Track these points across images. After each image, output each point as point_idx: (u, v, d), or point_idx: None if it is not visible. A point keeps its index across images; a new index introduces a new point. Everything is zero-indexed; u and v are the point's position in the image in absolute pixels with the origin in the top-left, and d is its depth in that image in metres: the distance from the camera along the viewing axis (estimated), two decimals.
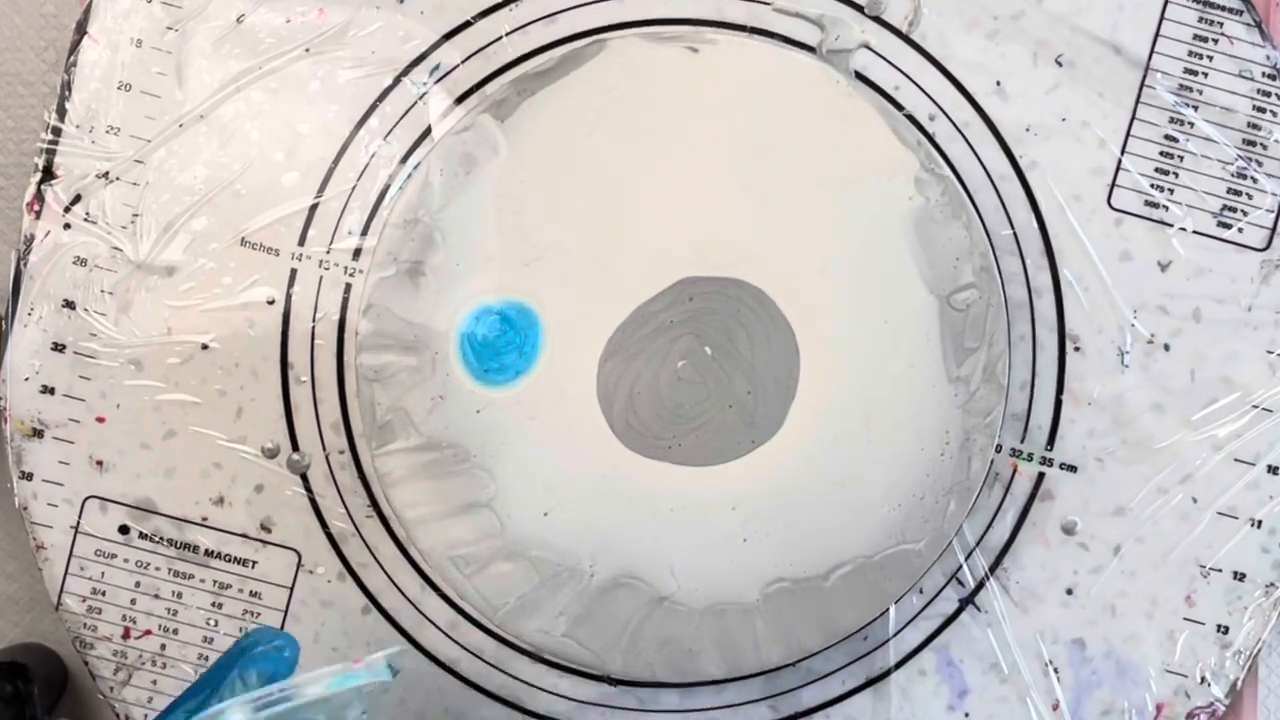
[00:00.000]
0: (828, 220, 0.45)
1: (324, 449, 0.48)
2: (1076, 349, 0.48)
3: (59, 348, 0.48)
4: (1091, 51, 0.48)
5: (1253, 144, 0.48)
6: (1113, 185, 0.48)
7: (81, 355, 0.48)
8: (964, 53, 0.48)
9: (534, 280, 0.45)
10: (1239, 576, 0.48)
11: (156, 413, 0.48)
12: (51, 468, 0.48)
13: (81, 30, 0.47)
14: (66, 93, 0.47)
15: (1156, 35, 0.48)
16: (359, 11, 0.48)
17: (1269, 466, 0.47)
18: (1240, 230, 0.48)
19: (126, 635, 0.48)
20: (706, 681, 0.47)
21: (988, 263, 0.46)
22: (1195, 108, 0.48)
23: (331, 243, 0.48)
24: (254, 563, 0.48)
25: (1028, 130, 0.48)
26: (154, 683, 0.48)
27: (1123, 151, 0.48)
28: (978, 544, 0.48)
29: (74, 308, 0.47)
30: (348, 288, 0.48)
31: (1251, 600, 0.48)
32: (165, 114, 0.48)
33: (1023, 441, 0.48)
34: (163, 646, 0.48)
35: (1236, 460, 0.47)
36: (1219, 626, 0.48)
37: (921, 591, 0.48)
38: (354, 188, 0.48)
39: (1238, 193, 0.48)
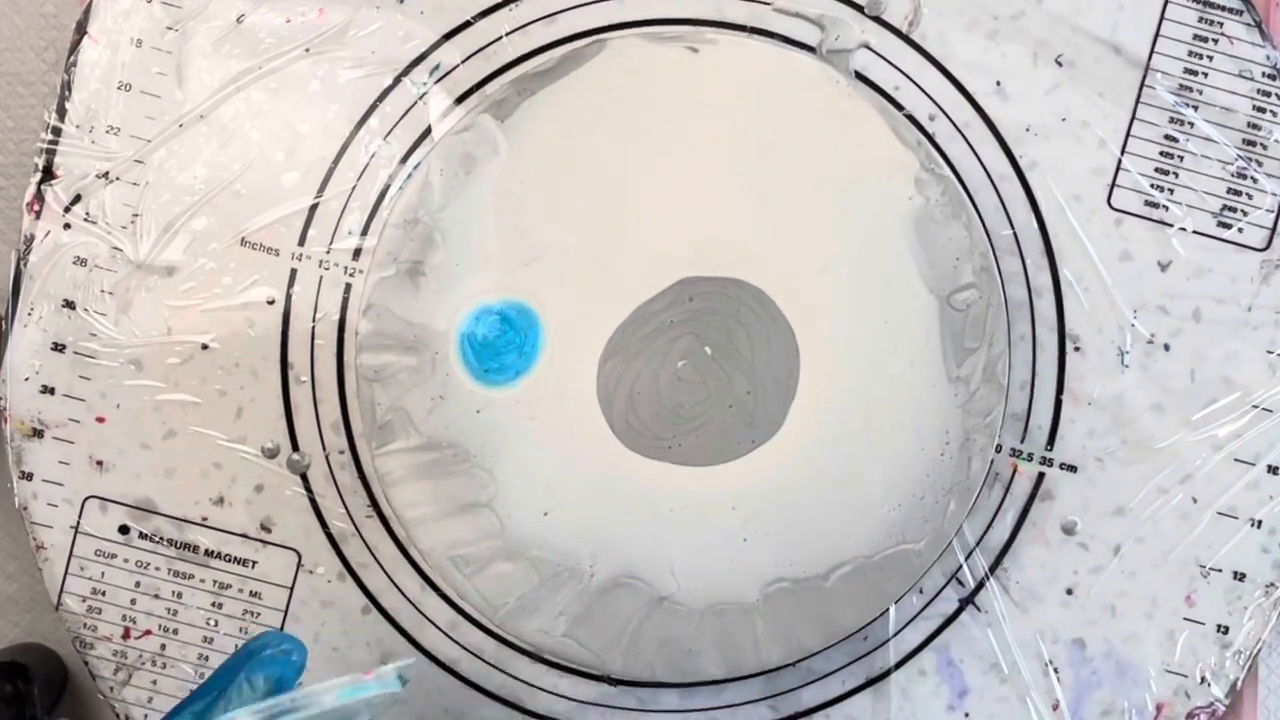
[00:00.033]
0: (828, 220, 0.45)
1: (324, 449, 0.48)
2: (1076, 349, 0.48)
3: (59, 348, 0.48)
4: (1091, 51, 0.48)
5: (1253, 144, 0.48)
6: (1113, 185, 0.48)
7: (81, 355, 0.48)
8: (964, 53, 0.48)
9: (534, 280, 0.45)
10: (1239, 576, 0.48)
11: (156, 413, 0.48)
12: (51, 468, 0.48)
13: (81, 30, 0.47)
14: (66, 93, 0.47)
15: (1156, 35, 0.48)
16: (359, 11, 0.48)
17: (1269, 466, 0.47)
18: (1240, 230, 0.48)
19: (126, 635, 0.48)
20: (706, 681, 0.47)
21: (988, 263, 0.46)
22: (1195, 108, 0.48)
23: (331, 243, 0.48)
24: (254, 563, 0.48)
25: (1028, 130, 0.48)
26: (154, 683, 0.48)
27: (1123, 151, 0.48)
28: (978, 544, 0.48)
29: (74, 308, 0.47)
30: (348, 288, 0.48)
31: (1251, 600, 0.48)
32: (165, 114, 0.48)
33: (1023, 441, 0.48)
34: (163, 646, 0.48)
35: (1236, 460, 0.47)
36: (1219, 626, 0.48)
37: (921, 591, 0.48)
38: (354, 188, 0.48)
39: (1238, 193, 0.48)
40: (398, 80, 0.48)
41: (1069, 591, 0.48)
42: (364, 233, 0.48)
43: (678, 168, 0.45)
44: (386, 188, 0.48)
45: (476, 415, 0.45)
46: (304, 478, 0.48)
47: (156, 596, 0.48)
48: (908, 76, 0.48)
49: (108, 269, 0.47)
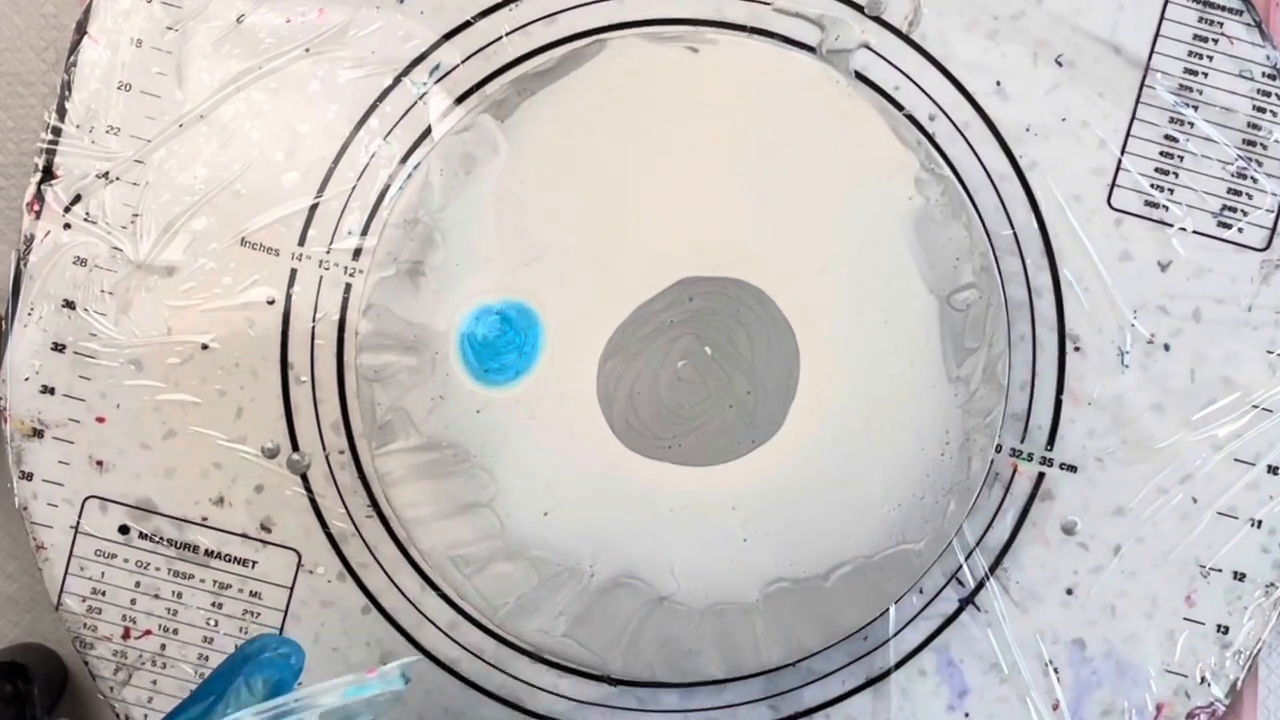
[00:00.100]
0: (828, 220, 0.45)
1: (324, 449, 0.48)
2: (1076, 349, 0.48)
3: (59, 348, 0.48)
4: (1091, 51, 0.48)
5: (1253, 144, 0.48)
6: (1113, 185, 0.48)
7: (81, 355, 0.48)
8: (964, 53, 0.48)
9: (534, 280, 0.45)
10: (1239, 576, 0.48)
11: (156, 413, 0.48)
12: (51, 468, 0.48)
13: (81, 30, 0.47)
14: (66, 93, 0.47)
15: (1156, 35, 0.48)
16: (359, 11, 0.48)
17: (1269, 466, 0.47)
18: (1240, 230, 0.48)
19: (126, 635, 0.48)
20: (706, 681, 0.47)
21: (988, 263, 0.46)
22: (1195, 108, 0.48)
23: (331, 243, 0.48)
24: (254, 563, 0.48)
25: (1028, 130, 0.48)
26: (154, 683, 0.48)
27: (1123, 151, 0.48)
28: (978, 544, 0.48)
29: (74, 308, 0.47)
30: (348, 288, 0.48)
31: (1251, 600, 0.48)
32: (165, 114, 0.48)
33: (1023, 441, 0.48)
34: (163, 646, 0.48)
35: (1236, 460, 0.47)
36: (1219, 626, 0.48)
37: (921, 591, 0.48)
38: (354, 188, 0.48)
39: (1238, 193, 0.48)
40: (398, 80, 0.48)
41: (1069, 591, 0.48)
42: (364, 233, 0.48)
43: (678, 168, 0.45)
44: (386, 188, 0.48)
45: (476, 415, 0.45)
46: (304, 478, 0.48)
47: (156, 596, 0.48)
48: (908, 76, 0.48)
49: (108, 269, 0.47)
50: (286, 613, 0.48)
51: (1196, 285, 0.48)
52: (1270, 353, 0.48)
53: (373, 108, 0.48)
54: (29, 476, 0.48)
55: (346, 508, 0.48)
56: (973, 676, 0.48)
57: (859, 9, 0.48)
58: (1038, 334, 0.48)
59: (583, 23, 0.48)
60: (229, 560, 0.48)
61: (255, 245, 0.48)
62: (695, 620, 0.46)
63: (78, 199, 0.47)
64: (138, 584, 0.48)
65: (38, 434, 0.48)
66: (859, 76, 0.48)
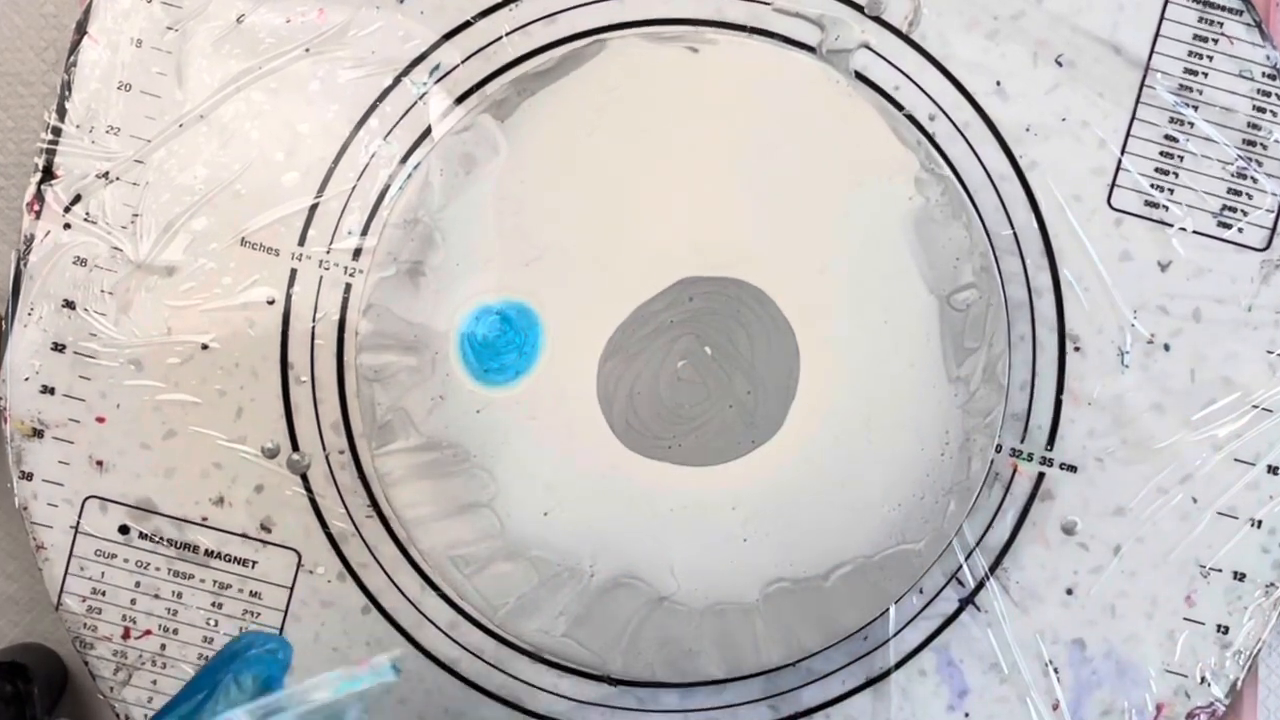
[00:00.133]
0: (828, 220, 0.45)
1: (324, 449, 0.48)
2: (1076, 349, 0.48)
3: (59, 348, 0.48)
4: (1091, 51, 0.48)
5: (1253, 144, 0.48)
6: (1113, 185, 0.48)
7: (81, 355, 0.48)
8: (964, 53, 0.48)
9: (534, 280, 0.45)
10: (1239, 576, 0.48)
11: (156, 413, 0.48)
12: (51, 468, 0.48)
13: (81, 30, 0.47)
14: (66, 93, 0.47)
15: (1156, 35, 0.48)
16: (359, 11, 0.48)
17: (1269, 466, 0.47)
18: (1240, 230, 0.48)
19: (126, 635, 0.48)
20: (706, 681, 0.47)
21: (988, 263, 0.46)
22: (1195, 108, 0.48)
23: (331, 243, 0.48)
24: (254, 563, 0.48)
25: (1028, 130, 0.48)
26: (154, 683, 0.48)
27: (1123, 151, 0.48)
28: (978, 544, 0.48)
29: (74, 308, 0.47)
30: (348, 288, 0.48)
31: (1251, 600, 0.48)
32: (165, 114, 0.48)
33: (1023, 441, 0.48)
34: (163, 646, 0.48)
35: (1236, 460, 0.47)
36: (1219, 626, 0.48)
37: (921, 591, 0.48)
38: (354, 188, 0.48)
39: (1238, 193, 0.48)
40: (398, 80, 0.48)
41: (1069, 591, 0.48)
42: (364, 233, 0.48)
43: (678, 168, 0.45)
44: (386, 188, 0.48)
45: (476, 415, 0.45)
46: (304, 478, 0.48)
47: (156, 596, 0.48)
48: (908, 76, 0.48)
49: (108, 269, 0.47)
50: (286, 613, 0.48)
51: (1196, 285, 0.48)
52: (1270, 353, 0.48)
53: (373, 108, 0.48)
54: (29, 476, 0.48)
55: (346, 508, 0.48)
56: (973, 676, 0.48)
57: (859, 9, 0.48)
58: (1038, 334, 0.48)
59: (583, 23, 0.48)
60: (229, 560, 0.48)
61: (255, 245, 0.48)
62: (695, 620, 0.46)
63: (78, 199, 0.47)
64: (138, 584, 0.48)
65: (38, 434, 0.48)
66: (859, 76, 0.48)
